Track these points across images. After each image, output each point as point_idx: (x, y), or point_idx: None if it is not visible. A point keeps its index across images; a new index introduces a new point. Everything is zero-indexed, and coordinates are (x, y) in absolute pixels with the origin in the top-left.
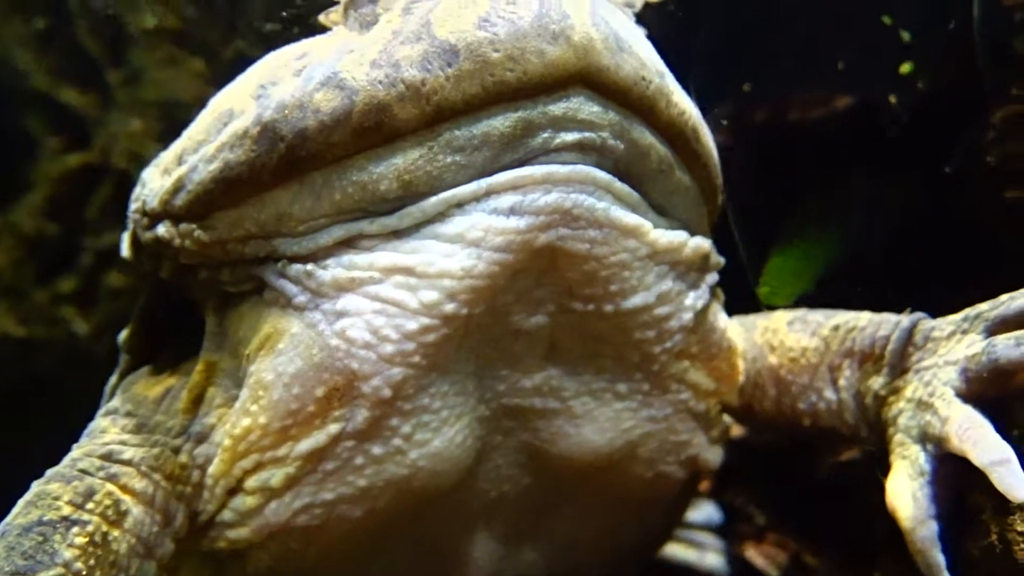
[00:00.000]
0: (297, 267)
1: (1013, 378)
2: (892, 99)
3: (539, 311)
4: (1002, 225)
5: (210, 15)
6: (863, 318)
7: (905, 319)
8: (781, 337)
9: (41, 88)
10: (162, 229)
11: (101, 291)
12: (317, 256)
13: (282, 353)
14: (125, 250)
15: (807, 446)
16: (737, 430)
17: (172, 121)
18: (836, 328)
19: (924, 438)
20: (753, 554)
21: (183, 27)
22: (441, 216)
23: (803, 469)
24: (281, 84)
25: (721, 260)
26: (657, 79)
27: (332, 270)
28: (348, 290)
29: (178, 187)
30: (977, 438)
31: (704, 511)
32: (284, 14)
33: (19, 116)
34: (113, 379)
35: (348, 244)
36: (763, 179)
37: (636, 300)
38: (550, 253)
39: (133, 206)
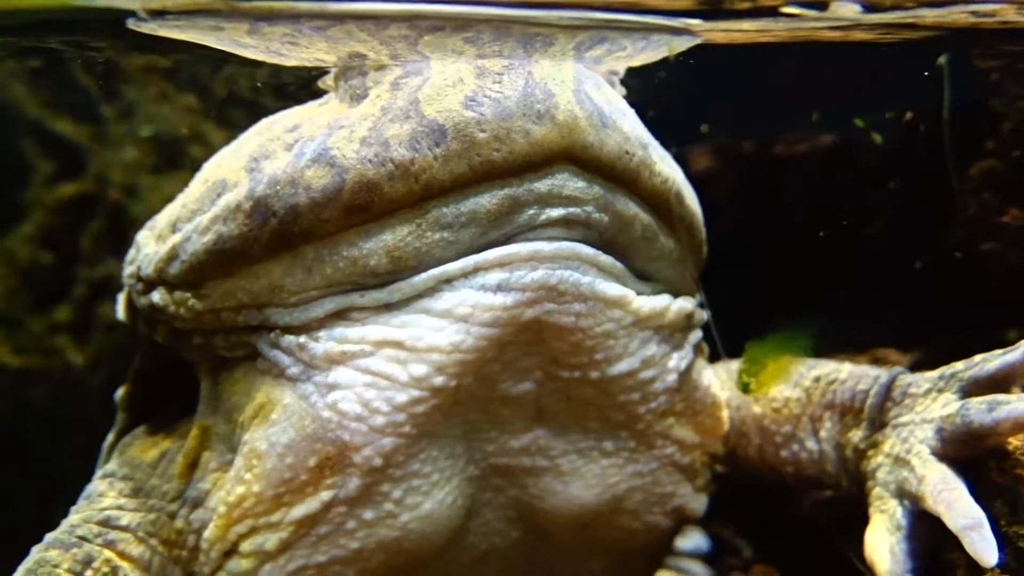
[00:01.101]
0: (290, 339)
1: (986, 440)
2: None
3: (526, 379)
4: (980, 275)
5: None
6: (843, 370)
7: (884, 374)
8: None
9: (35, 117)
10: (157, 296)
11: (95, 323)
12: (309, 328)
13: (275, 423)
14: (120, 312)
15: None
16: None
17: (166, 153)
18: (817, 380)
19: (901, 494)
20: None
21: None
22: (431, 291)
23: (788, 503)
24: (273, 158)
25: (704, 316)
26: (640, 151)
27: (324, 343)
28: (340, 363)
29: (172, 256)
30: (951, 500)
31: (692, 539)
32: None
33: (13, 144)
34: (110, 437)
35: (339, 316)
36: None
37: (621, 367)
38: (537, 326)
39: (128, 269)
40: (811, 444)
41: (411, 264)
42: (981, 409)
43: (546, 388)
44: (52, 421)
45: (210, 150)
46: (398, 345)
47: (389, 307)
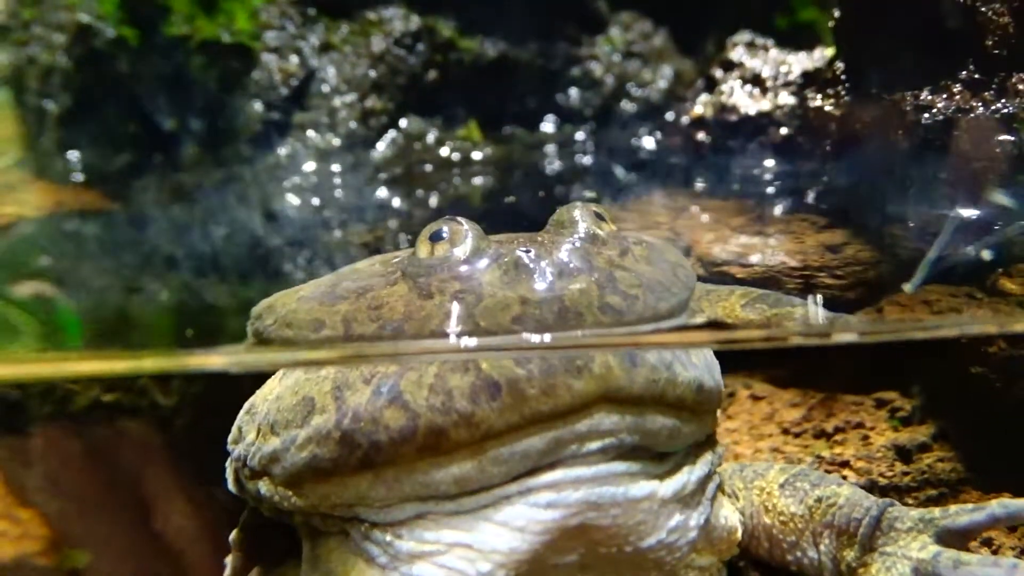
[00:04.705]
0: (378, 535)
1: None
2: None
3: (571, 554)
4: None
5: None
6: (842, 495)
7: (875, 507)
8: (774, 501)
9: None
10: (263, 487)
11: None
12: (393, 525)
13: None
14: (231, 485)
15: None
16: None
17: None
18: (819, 500)
19: None
20: None
21: None
22: (492, 505)
23: None
24: (354, 389)
25: (721, 454)
26: (665, 372)
27: (407, 542)
28: (420, 559)
29: (275, 459)
30: None
31: None
32: None
33: None
34: (227, 572)
35: (419, 518)
36: None
37: (651, 541)
38: (579, 527)
39: (233, 450)
40: (812, 554)
41: (475, 487)
42: (948, 565)
43: (587, 558)
44: (143, 449)
45: None
46: (467, 547)
47: (458, 514)
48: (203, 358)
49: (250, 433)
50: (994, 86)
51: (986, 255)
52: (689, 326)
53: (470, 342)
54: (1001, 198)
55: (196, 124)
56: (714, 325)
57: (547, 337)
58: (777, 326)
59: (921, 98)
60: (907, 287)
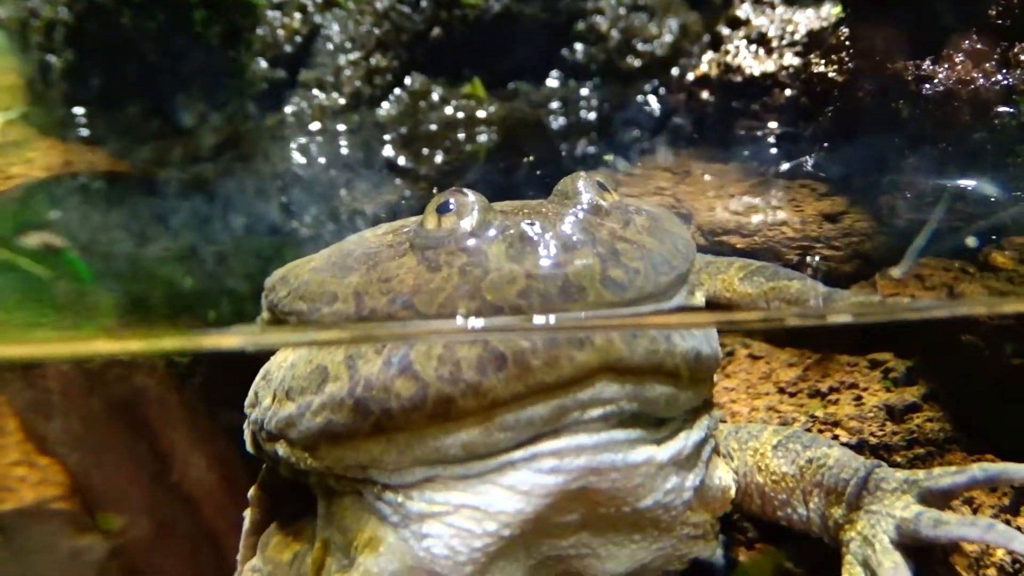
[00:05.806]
0: (390, 496)
1: (930, 545)
2: None
3: (572, 514)
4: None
5: None
6: (832, 456)
7: (862, 468)
8: (767, 461)
9: None
10: (280, 449)
11: None
12: (404, 486)
13: (383, 555)
14: (248, 446)
15: None
16: None
17: None
18: (810, 461)
19: (866, 566)
20: (744, 559)
21: None
22: (498, 470)
23: None
24: (366, 359)
25: (718, 419)
26: (664, 344)
27: (417, 503)
28: (430, 518)
29: (291, 424)
30: None
31: None
32: None
33: None
34: (246, 526)
35: (428, 481)
36: None
37: (648, 502)
38: (580, 490)
39: (251, 414)
40: (801, 511)
41: (482, 453)
42: (928, 524)
43: (588, 516)
44: (160, 402)
45: None
46: (475, 508)
47: (466, 478)
48: (219, 338)
49: (266, 398)
50: (995, 57)
51: (971, 242)
52: (689, 308)
53: (477, 323)
54: (987, 187)
55: (199, 81)
56: (713, 308)
57: (551, 315)
58: (774, 299)
59: (923, 68)
60: (896, 271)
